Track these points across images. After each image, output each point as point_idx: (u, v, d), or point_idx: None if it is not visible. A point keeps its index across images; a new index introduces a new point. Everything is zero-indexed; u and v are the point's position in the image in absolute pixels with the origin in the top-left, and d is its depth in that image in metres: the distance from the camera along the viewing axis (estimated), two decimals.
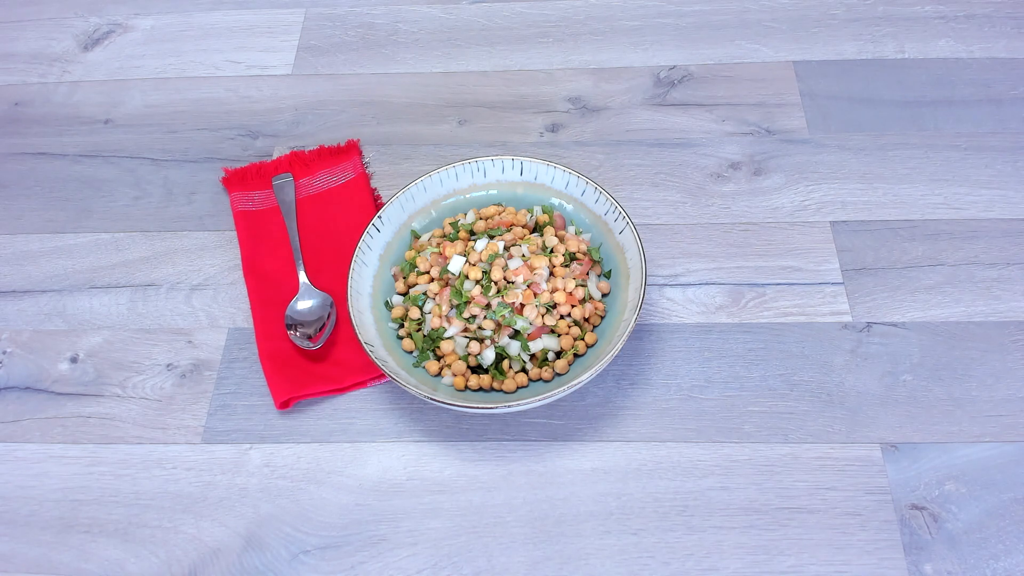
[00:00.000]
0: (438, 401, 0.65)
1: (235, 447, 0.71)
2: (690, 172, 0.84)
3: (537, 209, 0.77)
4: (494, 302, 0.69)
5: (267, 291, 0.78)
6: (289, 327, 0.75)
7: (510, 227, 0.75)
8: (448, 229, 0.77)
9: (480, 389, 0.69)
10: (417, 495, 0.68)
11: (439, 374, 0.70)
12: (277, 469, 0.69)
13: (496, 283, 0.70)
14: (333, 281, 0.78)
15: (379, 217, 0.75)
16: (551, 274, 0.72)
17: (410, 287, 0.74)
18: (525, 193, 0.78)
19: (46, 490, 0.70)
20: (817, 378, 0.71)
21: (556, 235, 0.74)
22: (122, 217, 0.86)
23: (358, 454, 0.70)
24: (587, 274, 0.73)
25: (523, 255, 0.72)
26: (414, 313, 0.72)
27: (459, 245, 0.73)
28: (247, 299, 0.78)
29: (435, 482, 0.68)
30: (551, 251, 0.73)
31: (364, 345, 0.67)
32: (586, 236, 0.76)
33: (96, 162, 0.90)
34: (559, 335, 0.70)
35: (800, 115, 0.87)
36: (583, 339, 0.70)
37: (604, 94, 0.91)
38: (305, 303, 0.77)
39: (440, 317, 0.71)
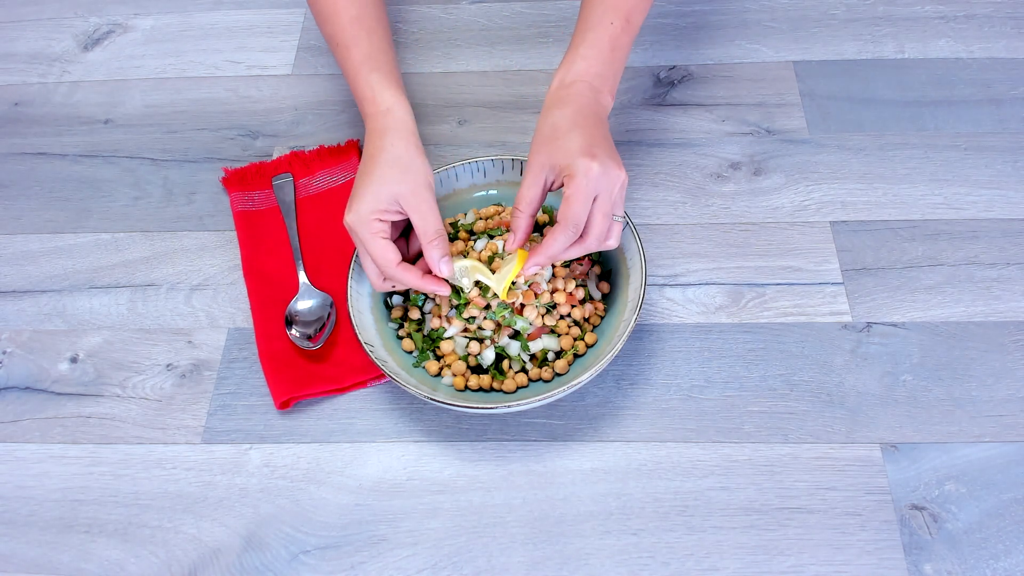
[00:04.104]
0: (438, 401, 0.65)
1: (235, 447, 0.71)
2: (690, 172, 0.84)
3: None
4: (494, 302, 0.69)
5: (267, 291, 0.78)
6: (289, 327, 0.75)
7: (510, 227, 0.74)
8: (448, 229, 0.76)
9: (480, 389, 0.69)
10: (417, 495, 0.68)
11: (439, 374, 0.70)
12: (277, 469, 0.69)
13: None
14: (333, 281, 0.78)
15: None
16: (552, 274, 0.72)
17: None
18: None
19: (46, 490, 0.70)
20: (817, 378, 0.71)
21: None
22: (122, 217, 0.86)
23: (358, 454, 0.70)
24: (587, 274, 0.73)
25: None
26: (414, 313, 0.72)
27: (459, 245, 0.73)
28: (247, 299, 0.78)
29: (435, 482, 0.68)
30: None
31: (364, 345, 0.67)
32: None
33: (96, 162, 0.90)
34: (559, 335, 0.70)
35: (800, 115, 0.87)
36: (583, 339, 0.70)
37: None
38: (305, 303, 0.77)
39: (440, 317, 0.71)
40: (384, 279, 0.68)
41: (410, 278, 0.66)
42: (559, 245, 0.64)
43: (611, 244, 0.66)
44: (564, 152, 0.64)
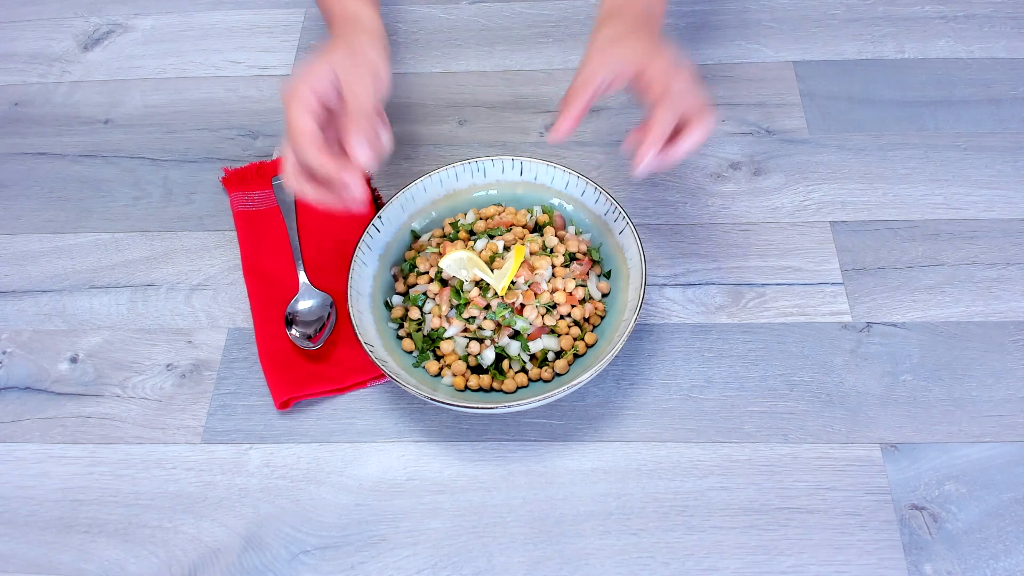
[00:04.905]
0: (438, 401, 0.65)
1: (235, 447, 0.71)
2: (690, 172, 0.84)
3: (537, 209, 0.77)
4: (494, 302, 0.69)
5: (267, 291, 0.78)
6: (289, 327, 0.75)
7: (510, 227, 0.75)
8: (448, 229, 0.77)
9: (480, 389, 0.69)
10: (417, 495, 0.68)
11: (439, 374, 0.70)
12: (277, 469, 0.69)
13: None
14: (333, 281, 0.78)
15: (379, 217, 0.75)
16: (551, 274, 0.72)
17: (410, 287, 0.74)
18: (525, 193, 0.78)
19: (46, 490, 0.70)
20: (817, 378, 0.71)
21: (556, 235, 0.75)
22: (122, 217, 0.86)
23: (358, 454, 0.70)
24: (587, 274, 0.73)
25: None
26: (414, 313, 0.72)
27: (459, 245, 0.73)
28: (247, 299, 0.78)
29: (435, 482, 0.68)
30: (551, 251, 0.73)
31: (364, 345, 0.67)
32: (586, 236, 0.76)
33: (96, 162, 0.90)
34: (559, 335, 0.70)
35: (800, 115, 0.87)
36: (583, 339, 0.70)
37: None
38: (305, 303, 0.77)
39: (440, 317, 0.71)
40: (299, 169, 0.63)
41: (324, 161, 0.60)
42: (667, 122, 0.62)
43: (709, 121, 0.63)
44: (626, 54, 0.63)
